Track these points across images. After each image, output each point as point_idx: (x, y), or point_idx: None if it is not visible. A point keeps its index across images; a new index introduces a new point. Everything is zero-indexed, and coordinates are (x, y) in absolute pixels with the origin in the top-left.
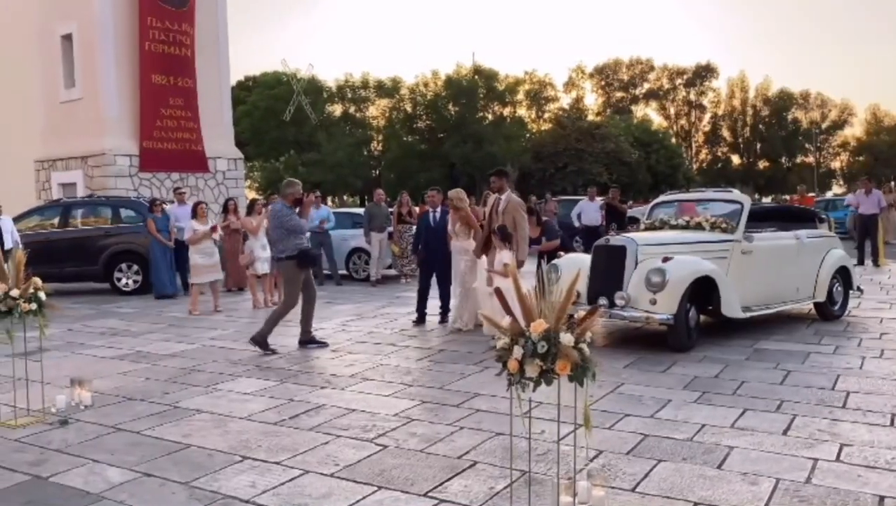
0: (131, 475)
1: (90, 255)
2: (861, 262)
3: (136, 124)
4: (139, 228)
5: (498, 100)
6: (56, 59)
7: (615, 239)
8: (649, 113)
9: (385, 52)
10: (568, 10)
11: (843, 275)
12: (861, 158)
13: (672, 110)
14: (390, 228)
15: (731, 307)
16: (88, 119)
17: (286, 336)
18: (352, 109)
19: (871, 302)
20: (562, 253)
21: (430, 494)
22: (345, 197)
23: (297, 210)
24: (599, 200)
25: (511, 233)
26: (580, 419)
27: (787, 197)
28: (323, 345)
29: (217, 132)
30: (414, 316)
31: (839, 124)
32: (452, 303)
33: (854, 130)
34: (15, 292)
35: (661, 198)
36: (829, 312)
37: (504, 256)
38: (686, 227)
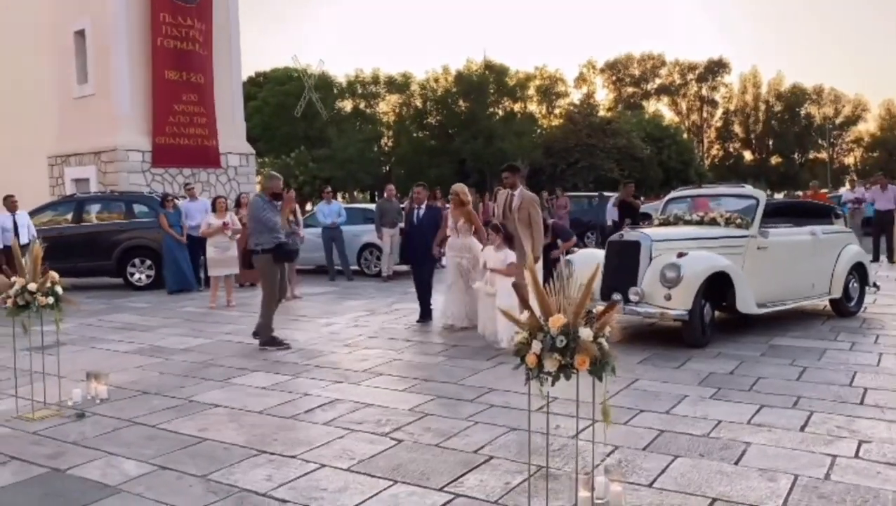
0: (148, 468)
1: (103, 250)
2: (876, 258)
3: (148, 120)
4: (152, 224)
5: (508, 95)
6: (69, 55)
7: (629, 234)
8: (661, 108)
9: (395, 48)
10: (578, 5)
11: (859, 271)
12: (875, 154)
13: (684, 106)
14: (401, 224)
15: (747, 303)
16: (101, 115)
17: (296, 330)
18: (362, 105)
19: (886, 299)
20: (575, 249)
21: (446, 488)
22: (355, 193)
23: (279, 205)
24: (612, 196)
25: (512, 233)
26: (597, 415)
27: (800, 193)
28: (285, 348)
29: (228, 128)
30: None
31: (853, 120)
32: (438, 301)
33: (868, 126)
34: (32, 286)
35: (675, 193)
36: (844, 308)
37: (508, 254)
38: (701, 222)
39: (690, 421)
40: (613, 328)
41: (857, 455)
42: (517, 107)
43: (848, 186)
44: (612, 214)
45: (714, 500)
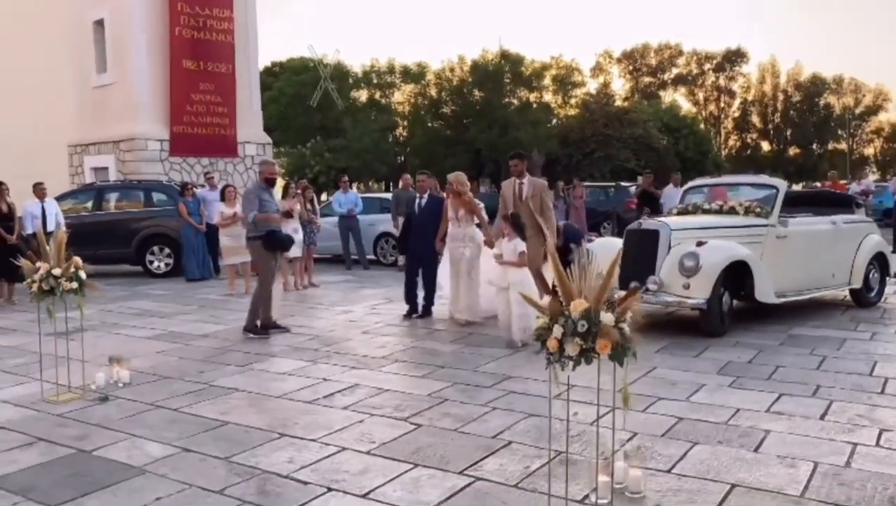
0: (172, 450)
1: (123, 238)
2: None
3: (166, 109)
4: (171, 212)
5: (524, 85)
6: (88, 44)
7: (648, 223)
8: (678, 98)
9: (411, 38)
10: None
11: (879, 261)
12: None
13: (701, 96)
14: None
15: (766, 293)
16: (120, 104)
17: (314, 318)
18: (377, 95)
19: None
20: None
21: (465, 472)
22: (370, 183)
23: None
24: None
25: (524, 223)
26: (616, 402)
27: (818, 184)
28: (264, 337)
29: (246, 117)
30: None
31: (873, 110)
32: (442, 294)
33: (889, 116)
34: (57, 271)
35: (694, 183)
36: (864, 298)
37: (518, 244)
38: (720, 211)
39: (709, 409)
40: (635, 313)
41: (878, 443)
42: (533, 97)
43: (875, 176)
44: (669, 205)
45: (733, 486)
